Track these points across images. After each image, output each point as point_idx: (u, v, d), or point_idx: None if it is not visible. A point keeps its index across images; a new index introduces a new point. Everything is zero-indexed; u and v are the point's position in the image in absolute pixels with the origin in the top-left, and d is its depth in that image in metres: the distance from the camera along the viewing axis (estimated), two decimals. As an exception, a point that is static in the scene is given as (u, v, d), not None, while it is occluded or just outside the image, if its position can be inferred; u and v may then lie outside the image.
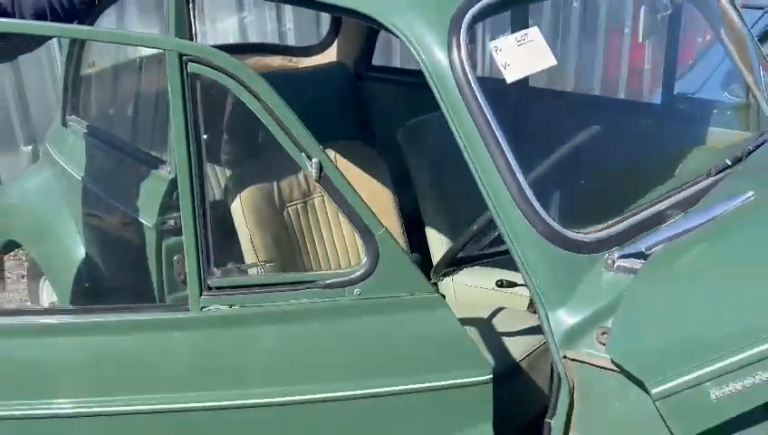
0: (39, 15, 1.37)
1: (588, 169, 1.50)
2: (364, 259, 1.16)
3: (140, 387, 1.15)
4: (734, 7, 1.82)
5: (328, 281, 1.17)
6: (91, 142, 2.12)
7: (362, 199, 1.14)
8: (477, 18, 1.18)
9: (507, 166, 1.14)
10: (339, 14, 1.35)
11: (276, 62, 2.88)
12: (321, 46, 3.00)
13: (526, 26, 1.69)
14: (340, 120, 2.54)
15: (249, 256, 1.76)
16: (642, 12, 1.70)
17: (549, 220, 1.14)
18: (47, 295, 2.57)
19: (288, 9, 4.40)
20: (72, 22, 1.45)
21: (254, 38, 4.10)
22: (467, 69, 1.16)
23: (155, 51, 2.12)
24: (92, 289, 2.14)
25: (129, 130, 2.13)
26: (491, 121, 1.15)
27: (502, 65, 1.21)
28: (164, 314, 1.22)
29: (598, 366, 1.08)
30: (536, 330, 1.39)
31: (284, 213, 1.84)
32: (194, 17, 1.69)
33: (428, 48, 1.19)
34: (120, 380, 1.16)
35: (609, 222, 1.21)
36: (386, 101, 2.69)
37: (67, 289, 2.17)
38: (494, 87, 1.24)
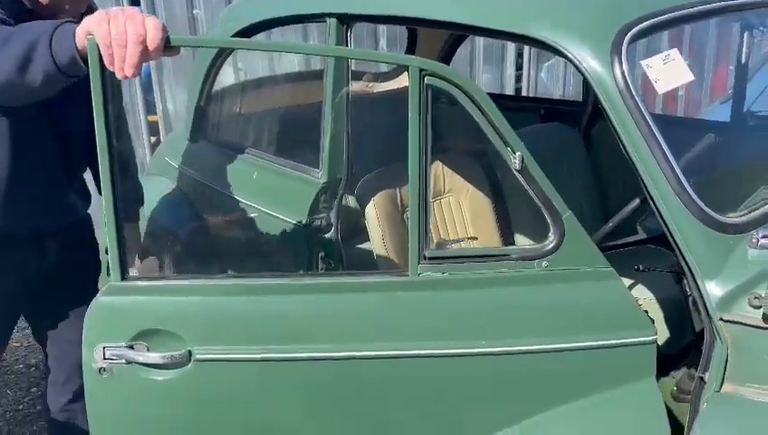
0: None
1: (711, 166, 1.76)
2: (552, 236, 1.39)
3: (371, 336, 1.40)
4: None
5: (522, 254, 1.41)
6: (229, 154, 2.34)
7: (553, 186, 1.38)
8: (636, 38, 1.44)
9: (667, 162, 1.38)
10: (503, 39, 1.59)
11: (356, 87, 3.14)
12: (396, 72, 3.27)
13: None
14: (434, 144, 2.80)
15: (381, 253, 1.99)
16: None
17: (704, 207, 1.38)
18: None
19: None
20: None
21: (317, 66, 4.39)
22: (629, 80, 1.41)
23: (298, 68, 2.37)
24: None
25: (270, 141, 2.36)
26: (651, 124, 1.39)
27: (653, 80, 1.46)
28: (389, 277, 1.47)
29: (751, 325, 1.31)
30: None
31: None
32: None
33: (593, 65, 1.44)
34: (355, 329, 1.41)
35: (749, 208, 1.45)
36: (455, 118, 2.96)
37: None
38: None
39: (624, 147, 1.41)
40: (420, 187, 1.35)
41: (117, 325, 1.39)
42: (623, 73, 1.42)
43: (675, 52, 1.52)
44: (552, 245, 1.39)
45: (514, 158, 1.36)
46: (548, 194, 1.37)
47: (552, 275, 1.39)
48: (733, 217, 1.42)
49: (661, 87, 1.46)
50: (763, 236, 1.38)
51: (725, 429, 1.28)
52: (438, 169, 2.57)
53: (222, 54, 2.36)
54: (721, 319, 1.33)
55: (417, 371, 1.39)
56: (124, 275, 1.37)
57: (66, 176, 1.76)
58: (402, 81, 3.19)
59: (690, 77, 1.51)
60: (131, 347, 1.38)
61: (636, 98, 1.40)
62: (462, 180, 2.52)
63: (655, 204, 1.40)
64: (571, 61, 1.46)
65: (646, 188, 1.40)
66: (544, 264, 1.39)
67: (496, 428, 1.43)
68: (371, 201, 2.02)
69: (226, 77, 2.62)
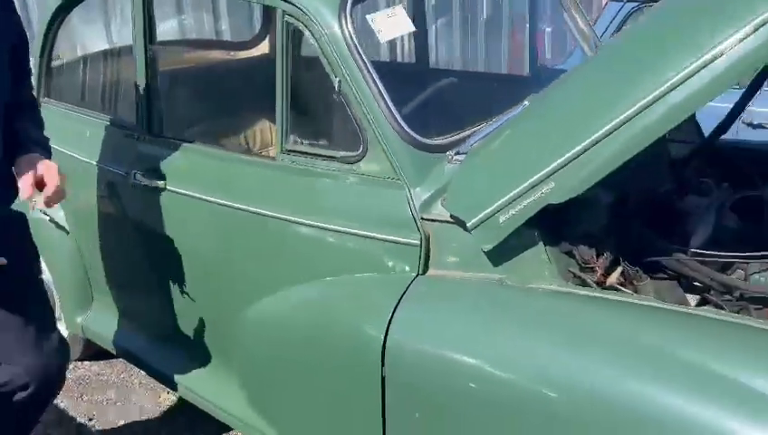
0: None
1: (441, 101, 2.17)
2: (361, 148, 1.78)
3: (244, 194, 2.02)
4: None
5: (342, 157, 1.83)
6: (69, 116, 2.60)
7: (368, 114, 1.75)
8: (357, 1, 1.79)
9: (383, 99, 1.74)
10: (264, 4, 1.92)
11: (217, 55, 3.42)
12: (255, 41, 3.55)
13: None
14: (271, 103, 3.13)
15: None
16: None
17: (412, 133, 1.75)
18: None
19: (224, 11, 4.90)
20: None
21: (193, 37, 4.59)
22: (354, 36, 1.76)
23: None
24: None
25: (102, 104, 2.63)
26: (372, 71, 1.75)
27: (377, 31, 1.82)
28: (261, 159, 2.13)
29: (443, 221, 1.69)
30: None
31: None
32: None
33: (328, 23, 1.78)
34: (231, 185, 2.07)
35: (450, 134, 1.84)
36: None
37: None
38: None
39: (351, 91, 1.76)
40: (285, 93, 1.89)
41: None
42: (350, 31, 1.76)
43: (399, 8, 1.87)
44: (362, 154, 1.78)
45: (336, 82, 1.75)
46: (360, 117, 1.75)
47: (360, 177, 1.81)
48: (437, 141, 1.80)
49: (384, 37, 1.82)
50: (456, 153, 1.77)
51: (423, 301, 1.67)
52: (266, 125, 2.92)
53: (58, 18, 2.63)
54: (422, 218, 1.71)
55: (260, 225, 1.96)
56: None
57: None
58: (263, 48, 3.49)
59: (411, 28, 1.87)
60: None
61: (360, 50, 1.76)
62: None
63: (378, 133, 1.76)
64: (311, 21, 1.79)
65: (371, 124, 1.76)
66: (354, 168, 1.80)
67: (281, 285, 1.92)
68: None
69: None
